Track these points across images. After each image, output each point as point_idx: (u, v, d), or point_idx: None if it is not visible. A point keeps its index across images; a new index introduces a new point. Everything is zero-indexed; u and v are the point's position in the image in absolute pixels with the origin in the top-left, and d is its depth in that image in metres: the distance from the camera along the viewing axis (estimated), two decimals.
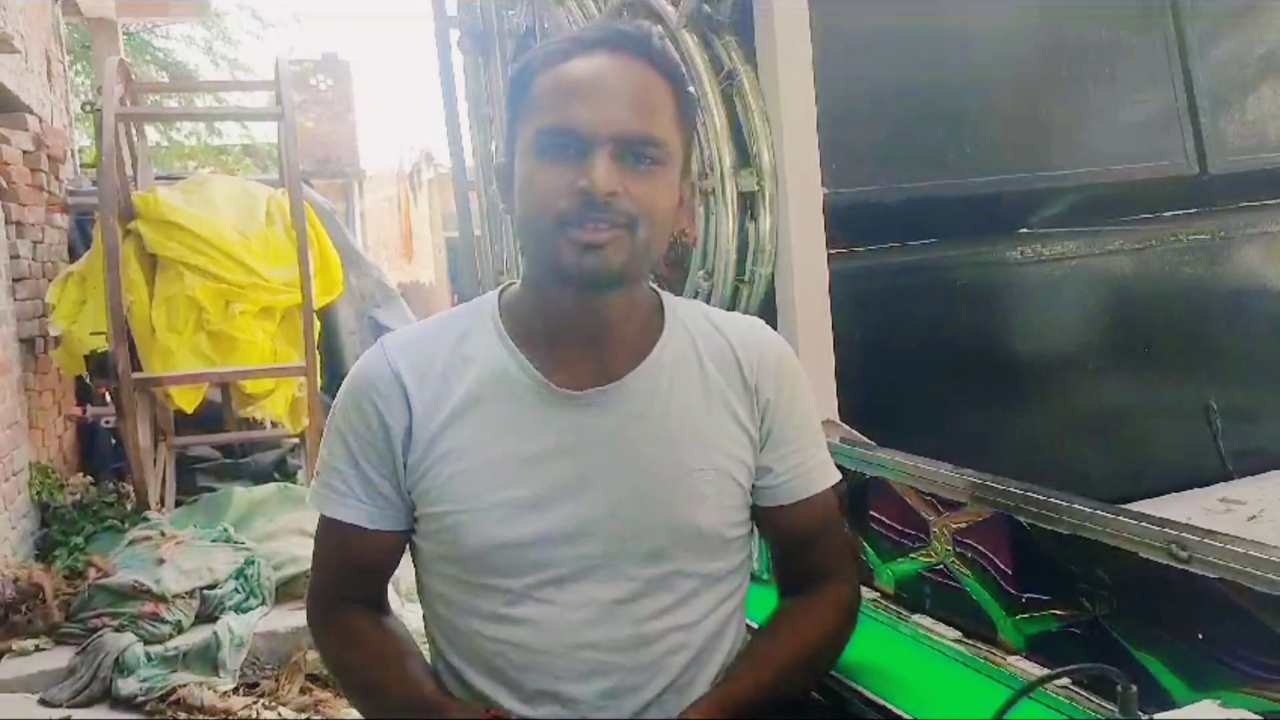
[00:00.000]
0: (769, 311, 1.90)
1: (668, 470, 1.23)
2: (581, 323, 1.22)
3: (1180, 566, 1.17)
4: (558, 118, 1.15)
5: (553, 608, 1.20)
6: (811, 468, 1.34)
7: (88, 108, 5.57)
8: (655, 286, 1.32)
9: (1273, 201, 2.48)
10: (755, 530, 1.38)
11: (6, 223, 5.27)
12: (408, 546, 1.30)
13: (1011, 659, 1.42)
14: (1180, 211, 2.42)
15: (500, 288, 1.31)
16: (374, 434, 1.22)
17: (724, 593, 1.30)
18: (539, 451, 1.20)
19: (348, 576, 1.29)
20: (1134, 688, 1.00)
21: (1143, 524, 1.22)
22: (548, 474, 1.20)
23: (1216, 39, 2.40)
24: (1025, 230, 2.28)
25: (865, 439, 1.76)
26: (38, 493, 5.24)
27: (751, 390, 1.29)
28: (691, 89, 1.25)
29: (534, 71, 1.19)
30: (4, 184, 5.24)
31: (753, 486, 1.31)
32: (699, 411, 1.26)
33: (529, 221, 1.18)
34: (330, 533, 1.27)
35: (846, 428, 1.80)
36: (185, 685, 3.75)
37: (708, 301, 1.96)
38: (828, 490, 1.36)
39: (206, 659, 3.86)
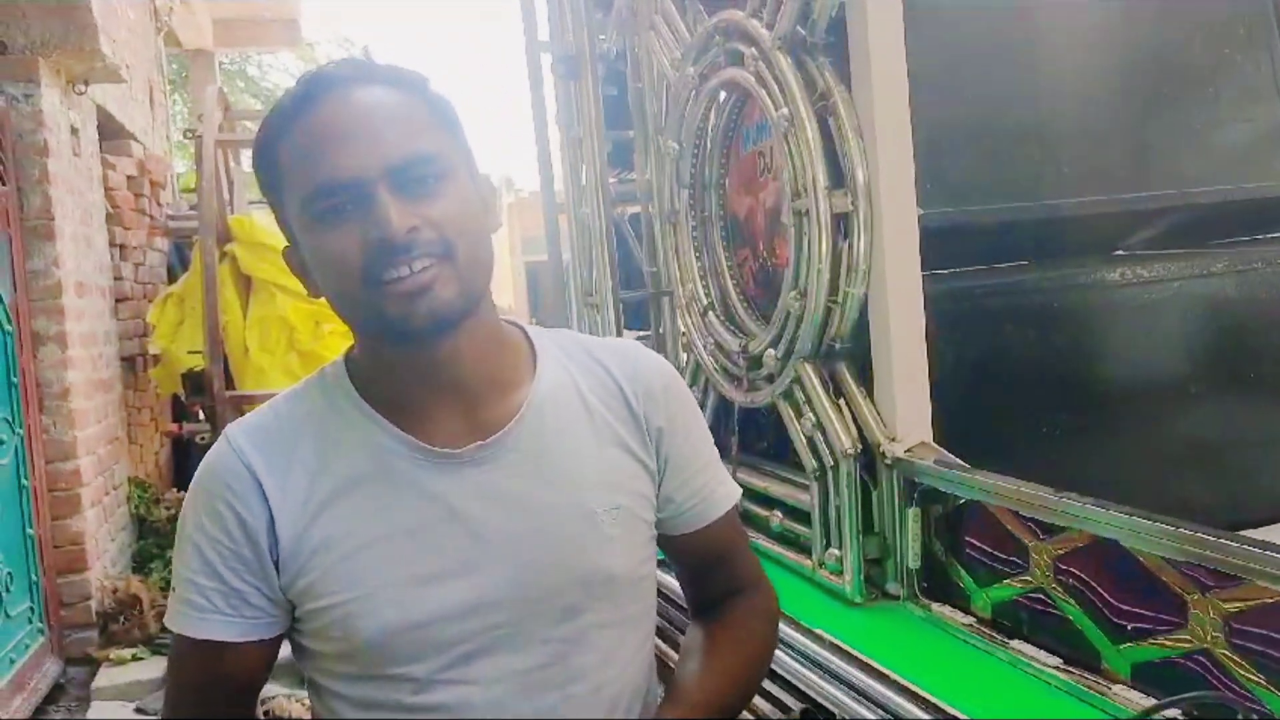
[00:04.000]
0: (862, 332, 1.89)
1: (567, 518, 1.13)
2: (440, 374, 1.11)
3: None
4: (319, 178, 1.03)
5: (466, 689, 1.09)
6: (714, 489, 1.26)
7: (188, 135, 5.77)
8: (517, 321, 1.23)
9: None
10: (855, 551, 1.33)
11: (111, 245, 5.47)
12: (295, 647, 1.17)
13: (1116, 688, 1.39)
14: None
15: (339, 359, 1.19)
16: (233, 538, 1.08)
17: (643, 635, 1.22)
18: (426, 522, 1.09)
19: (216, 698, 1.14)
20: (1255, 718, 0.97)
21: (1258, 550, 1.19)
22: (440, 545, 1.09)
23: None
24: (1124, 252, 2.23)
25: (961, 462, 1.74)
26: (135, 507, 5.42)
27: (640, 419, 1.19)
28: (434, 89, 1.12)
29: (272, 144, 1.08)
30: (109, 208, 5.45)
31: (657, 519, 1.23)
32: (590, 450, 1.16)
33: (337, 295, 1.08)
34: (193, 653, 1.11)
35: (941, 450, 1.78)
36: (274, 697, 3.83)
37: (798, 324, 1.96)
38: (732, 507, 1.29)
39: (295, 671, 3.91)
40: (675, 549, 1.27)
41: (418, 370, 1.10)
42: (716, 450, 1.31)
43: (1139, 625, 1.39)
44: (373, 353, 1.14)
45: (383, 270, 1.02)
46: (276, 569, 1.09)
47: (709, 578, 1.31)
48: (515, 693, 1.10)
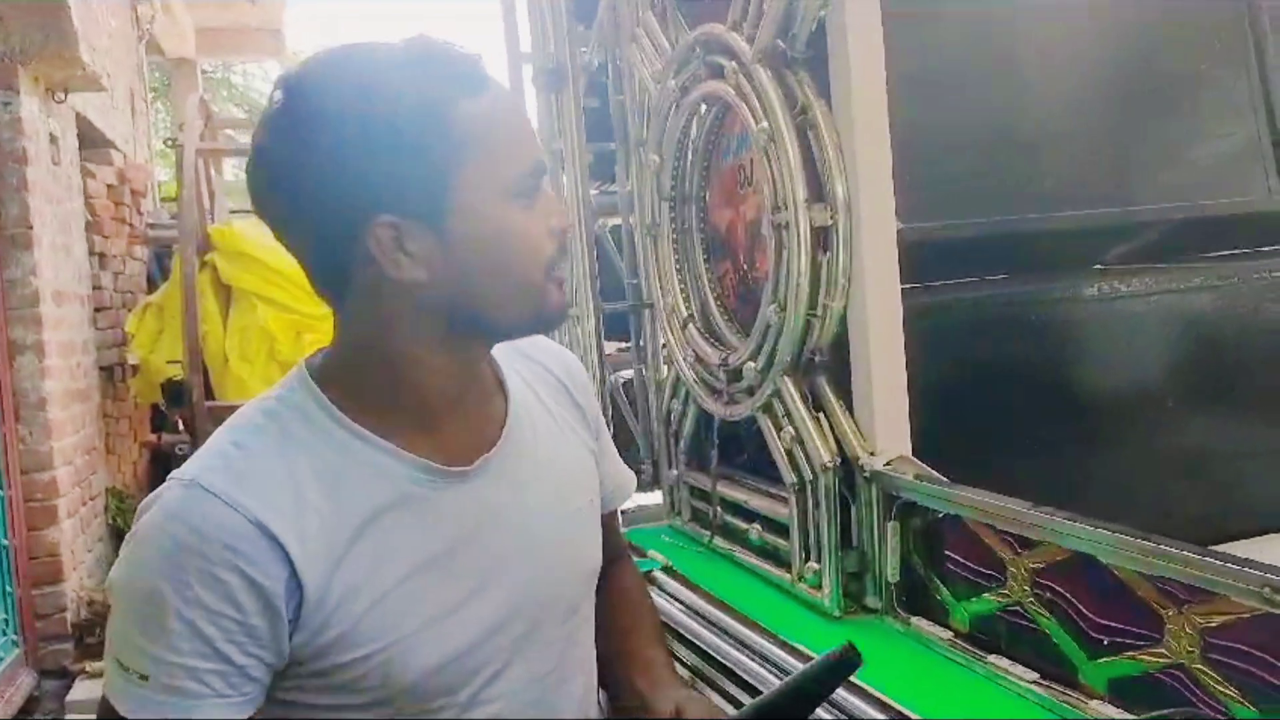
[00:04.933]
0: (841, 346, 1.89)
1: (561, 518, 1.15)
2: (474, 379, 1.10)
3: (1274, 611, 1.13)
4: (535, 156, 1.03)
5: (495, 705, 1.08)
6: (623, 471, 1.36)
7: (169, 143, 5.75)
8: None
9: None
10: (834, 564, 1.36)
11: (90, 254, 5.44)
12: (287, 705, 1.03)
13: (1093, 704, 1.39)
14: (1263, 247, 2.37)
15: (299, 377, 1.06)
16: (241, 608, 0.93)
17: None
18: (448, 546, 1.04)
19: None
20: None
21: (1234, 566, 1.19)
22: (463, 568, 1.05)
23: None
24: (1102, 266, 2.24)
25: (939, 475, 1.74)
26: (113, 517, 5.38)
27: (584, 410, 1.24)
28: None
29: (447, 107, 0.98)
30: (89, 217, 5.42)
31: None
32: (561, 447, 1.19)
33: (513, 275, 1.02)
34: None
35: (921, 464, 1.78)
36: None
37: (778, 337, 1.96)
38: None
39: None
40: None
41: (467, 371, 1.09)
42: None
43: (1115, 640, 1.39)
44: (427, 354, 1.04)
45: (559, 260, 1.05)
46: (293, 628, 0.97)
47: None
48: (535, 699, 1.11)
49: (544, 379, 1.22)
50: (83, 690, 4.30)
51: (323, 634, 0.97)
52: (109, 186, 5.84)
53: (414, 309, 1.02)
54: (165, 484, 1.00)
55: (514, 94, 1.05)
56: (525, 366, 1.20)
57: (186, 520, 0.94)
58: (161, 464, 6.51)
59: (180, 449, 6.01)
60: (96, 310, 5.51)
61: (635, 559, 1.45)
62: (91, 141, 5.68)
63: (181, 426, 5.67)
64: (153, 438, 6.30)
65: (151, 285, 6.39)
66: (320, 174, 0.96)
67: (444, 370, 1.06)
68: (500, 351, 1.18)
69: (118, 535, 5.41)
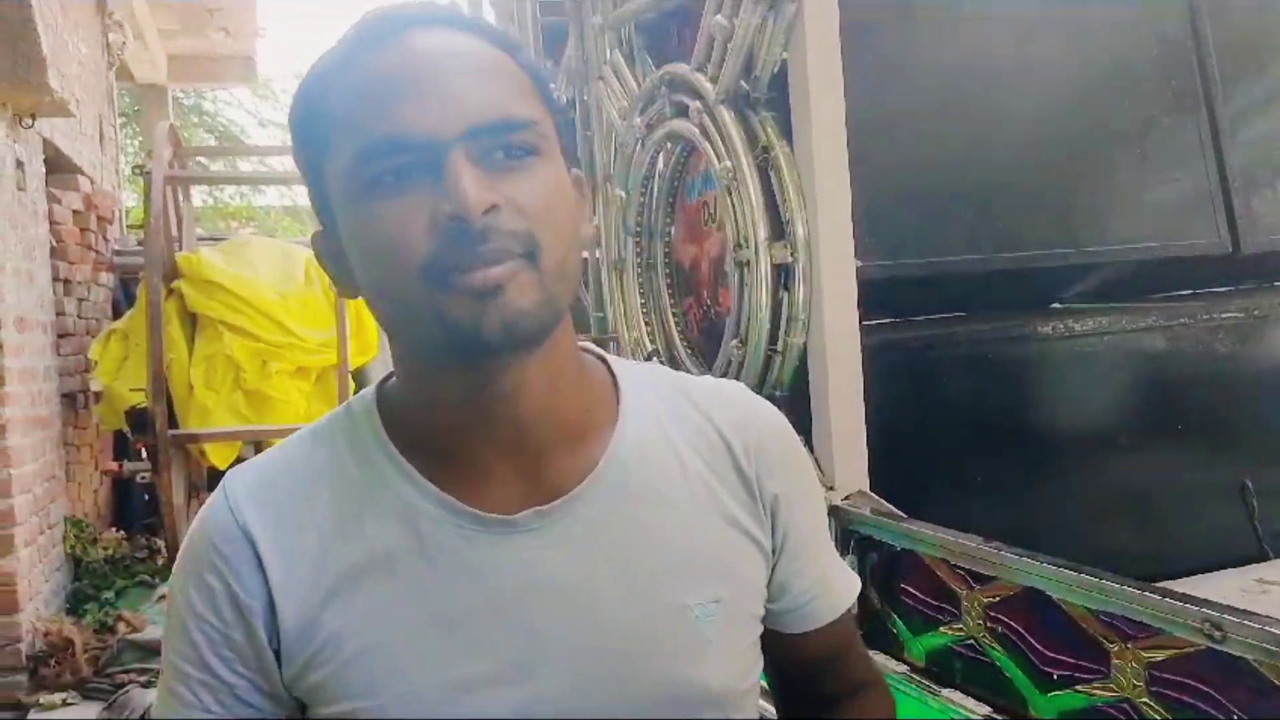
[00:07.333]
0: (801, 381, 1.92)
1: (651, 613, 0.86)
2: (500, 413, 0.84)
3: (1215, 647, 1.16)
4: (377, 132, 0.78)
5: None
6: (833, 579, 0.99)
7: (138, 171, 5.73)
8: (597, 349, 0.96)
9: None
10: None
11: (54, 280, 5.40)
12: None
13: None
14: (1213, 290, 2.42)
15: (371, 389, 0.92)
16: (223, 618, 0.84)
17: None
18: (470, 611, 0.83)
19: None
20: None
21: (1177, 602, 1.22)
22: (486, 641, 0.83)
23: (1249, 120, 2.42)
24: (1058, 305, 2.29)
25: (897, 510, 1.76)
26: (71, 547, 5.30)
27: (752, 482, 0.92)
28: (535, 58, 0.89)
29: (319, 93, 0.83)
30: (54, 243, 5.39)
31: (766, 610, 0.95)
32: (684, 523, 0.89)
33: (383, 290, 0.81)
34: None
35: (878, 499, 1.81)
36: None
37: (739, 372, 1.98)
38: None
39: None
40: (783, 648, 0.98)
41: (471, 407, 0.84)
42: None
43: (1065, 673, 1.41)
44: (415, 381, 0.87)
45: (451, 265, 0.77)
46: (278, 659, 0.84)
47: (813, 682, 1.04)
48: None
49: (699, 432, 0.93)
50: None
51: (306, 676, 0.84)
52: (75, 213, 5.81)
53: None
54: None
55: (423, 46, 0.81)
56: (676, 412, 0.93)
57: (200, 516, 0.88)
58: (123, 492, 6.44)
59: (142, 477, 5.96)
60: (60, 337, 5.46)
61: None
62: (59, 167, 5.64)
63: (144, 455, 5.61)
64: (113, 465, 6.22)
65: (118, 312, 6.34)
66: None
67: (445, 400, 0.85)
68: (652, 388, 0.94)
69: (76, 564, 5.34)
